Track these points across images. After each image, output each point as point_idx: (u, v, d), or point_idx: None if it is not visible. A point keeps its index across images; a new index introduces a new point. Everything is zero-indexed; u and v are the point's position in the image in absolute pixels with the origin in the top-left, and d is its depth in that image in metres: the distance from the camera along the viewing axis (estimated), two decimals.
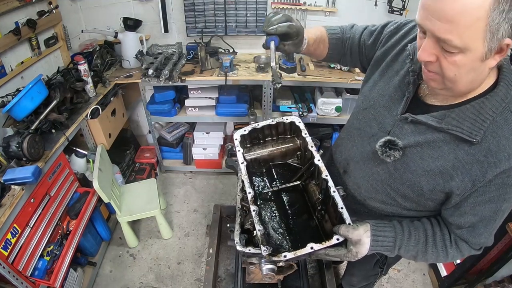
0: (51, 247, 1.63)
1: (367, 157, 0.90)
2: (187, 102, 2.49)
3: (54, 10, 2.06)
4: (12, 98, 1.59)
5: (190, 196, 2.68)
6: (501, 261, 1.53)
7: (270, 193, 1.07)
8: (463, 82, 0.64)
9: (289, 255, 0.75)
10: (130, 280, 2.04)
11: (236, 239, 1.22)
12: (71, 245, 1.71)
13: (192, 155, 2.78)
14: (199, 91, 2.44)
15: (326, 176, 0.87)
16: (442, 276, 1.88)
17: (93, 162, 1.91)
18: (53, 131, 1.71)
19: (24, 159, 1.45)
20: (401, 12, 2.35)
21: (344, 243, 0.79)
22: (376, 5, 2.42)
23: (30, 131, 1.55)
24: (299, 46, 0.93)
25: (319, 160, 0.92)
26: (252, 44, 2.65)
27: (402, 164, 0.80)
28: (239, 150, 1.01)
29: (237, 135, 1.05)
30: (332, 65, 2.41)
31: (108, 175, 1.99)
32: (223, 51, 2.42)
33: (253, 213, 0.84)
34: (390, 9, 2.37)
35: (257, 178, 1.12)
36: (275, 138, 1.12)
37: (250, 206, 0.85)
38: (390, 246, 0.79)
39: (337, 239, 0.77)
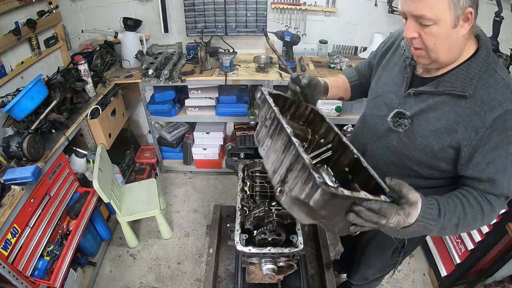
0: (51, 247, 1.63)
1: (382, 135, 1.00)
2: (187, 102, 2.49)
3: (54, 10, 2.06)
4: (12, 98, 1.60)
5: (190, 196, 2.68)
6: (501, 261, 1.53)
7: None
8: (443, 50, 0.79)
9: (346, 192, 0.63)
10: (130, 280, 2.04)
11: (236, 239, 1.22)
12: (71, 245, 1.71)
13: (192, 155, 2.78)
14: (199, 91, 2.44)
15: (356, 154, 0.87)
16: (442, 276, 1.88)
17: (93, 162, 1.91)
18: (53, 131, 1.71)
19: (24, 159, 1.45)
20: None
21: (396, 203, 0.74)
22: (376, 5, 2.42)
23: (30, 131, 1.55)
24: (325, 93, 1.15)
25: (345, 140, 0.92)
26: (252, 44, 2.65)
27: (412, 132, 0.90)
28: (275, 105, 0.92)
29: (266, 92, 0.99)
30: (332, 65, 2.41)
31: (108, 175, 1.99)
32: (223, 51, 2.42)
33: (297, 144, 0.73)
34: (390, 9, 2.37)
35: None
36: (288, 118, 1.06)
37: (291, 138, 0.75)
38: (436, 214, 0.78)
39: (390, 196, 0.72)
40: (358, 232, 0.75)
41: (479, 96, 0.79)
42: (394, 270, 1.43)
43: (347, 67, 2.37)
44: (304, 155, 0.69)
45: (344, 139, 0.92)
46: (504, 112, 0.76)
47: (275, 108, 0.88)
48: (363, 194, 0.67)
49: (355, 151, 0.87)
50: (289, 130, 0.79)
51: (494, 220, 1.49)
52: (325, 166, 0.99)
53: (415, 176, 0.97)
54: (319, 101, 2.36)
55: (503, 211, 1.45)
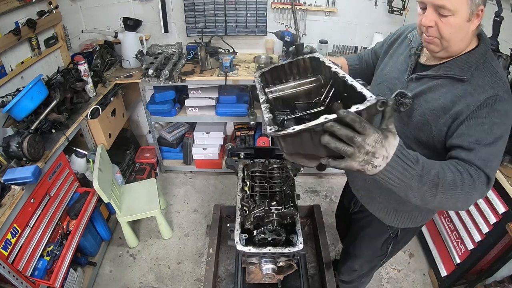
0: (51, 247, 1.63)
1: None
2: (187, 102, 2.49)
3: (54, 10, 2.06)
4: (12, 98, 1.60)
5: (190, 196, 2.68)
6: (501, 261, 1.53)
7: (291, 120, 1.01)
8: (456, 40, 0.86)
9: (298, 127, 0.64)
10: (130, 280, 2.04)
11: (236, 239, 1.22)
12: (71, 245, 1.71)
13: (192, 155, 2.78)
14: (199, 91, 2.44)
15: (342, 74, 0.84)
16: (442, 276, 1.88)
17: (93, 162, 1.91)
18: (53, 131, 1.71)
19: (24, 159, 1.45)
20: (401, 12, 2.36)
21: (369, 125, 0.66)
22: (376, 5, 2.42)
23: (30, 131, 1.55)
24: None
25: (343, 75, 0.85)
26: (252, 44, 2.65)
27: (412, 111, 0.97)
28: (259, 84, 0.99)
29: (257, 74, 1.05)
30: None
31: (108, 175, 1.99)
32: (223, 51, 2.42)
33: (261, 101, 0.83)
34: (390, 9, 2.37)
35: (280, 116, 1.04)
36: (297, 78, 1.07)
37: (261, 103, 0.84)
38: (414, 157, 0.72)
39: (358, 107, 0.64)
40: (329, 165, 0.70)
41: (474, 81, 0.87)
42: (383, 263, 1.44)
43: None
44: (265, 115, 0.82)
45: (337, 70, 0.89)
46: (495, 95, 0.84)
47: (258, 86, 1.00)
48: (322, 118, 0.63)
49: (341, 73, 0.86)
50: (262, 99, 0.91)
51: (494, 220, 1.49)
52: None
53: None
54: None
55: (503, 210, 1.45)
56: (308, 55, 1.03)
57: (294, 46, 1.09)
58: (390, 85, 1.06)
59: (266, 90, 1.05)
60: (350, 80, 0.80)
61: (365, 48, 2.58)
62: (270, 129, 0.71)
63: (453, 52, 0.90)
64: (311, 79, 1.06)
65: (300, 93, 1.06)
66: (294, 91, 1.06)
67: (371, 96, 0.67)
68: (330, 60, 0.98)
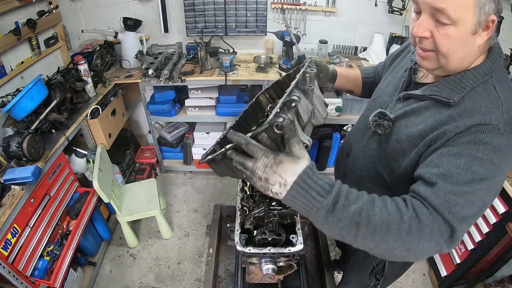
0: (51, 247, 1.63)
1: (366, 136, 0.96)
2: (187, 102, 2.49)
3: (54, 10, 2.06)
4: (12, 98, 1.60)
5: (190, 196, 2.68)
6: (501, 261, 1.53)
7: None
8: (455, 57, 0.69)
9: (211, 156, 0.68)
10: (130, 280, 2.04)
11: (236, 239, 1.22)
12: (71, 245, 1.71)
13: (192, 155, 2.78)
14: (199, 91, 2.44)
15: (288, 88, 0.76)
16: (442, 276, 1.88)
17: (93, 162, 1.91)
18: (53, 131, 1.71)
19: (24, 159, 1.45)
20: (401, 12, 2.36)
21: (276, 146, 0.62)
22: (376, 5, 2.42)
23: (30, 131, 1.55)
24: (331, 81, 1.13)
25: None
26: (252, 44, 2.65)
27: (391, 135, 0.84)
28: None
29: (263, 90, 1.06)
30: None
31: (108, 175, 1.99)
32: (223, 51, 2.43)
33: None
34: (390, 9, 2.37)
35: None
36: None
37: None
38: (327, 187, 0.59)
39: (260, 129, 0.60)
40: (245, 177, 0.65)
41: (463, 105, 0.70)
42: None
43: (347, 67, 2.37)
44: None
45: (291, 87, 0.79)
46: (484, 124, 0.65)
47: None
48: (224, 148, 0.65)
49: (287, 92, 0.75)
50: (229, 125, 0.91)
51: (494, 220, 1.49)
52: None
53: (386, 187, 0.89)
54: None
55: (503, 210, 1.45)
56: (302, 69, 0.95)
57: (297, 57, 1.07)
58: (382, 102, 0.93)
59: (271, 106, 1.06)
60: (281, 99, 0.70)
61: (365, 48, 2.59)
62: (202, 156, 0.78)
63: (452, 72, 0.73)
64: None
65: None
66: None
67: (270, 119, 0.60)
68: (307, 68, 0.89)
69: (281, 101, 0.67)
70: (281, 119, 0.61)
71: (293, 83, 0.78)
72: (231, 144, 0.63)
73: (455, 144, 0.66)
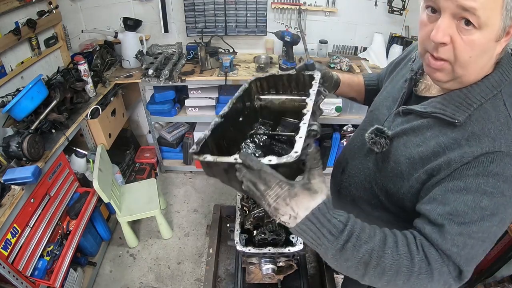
0: (51, 247, 1.63)
1: (362, 153, 0.90)
2: (187, 102, 2.49)
3: (54, 10, 2.06)
4: (12, 98, 1.60)
5: (190, 196, 2.68)
6: (501, 261, 1.53)
7: (261, 137, 0.99)
8: (475, 67, 0.60)
9: (210, 157, 0.65)
10: (130, 280, 2.04)
11: (236, 239, 1.22)
12: (71, 245, 1.71)
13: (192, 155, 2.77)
14: (199, 91, 2.44)
15: (307, 111, 0.74)
16: None
17: (93, 162, 1.91)
18: (53, 131, 1.71)
19: (24, 159, 1.45)
20: (401, 12, 2.36)
21: (287, 181, 0.57)
22: (376, 5, 2.42)
23: (30, 131, 1.55)
24: (334, 88, 1.08)
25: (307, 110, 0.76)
26: (252, 44, 2.65)
27: (388, 154, 0.77)
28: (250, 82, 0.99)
29: (252, 78, 1.02)
30: (332, 65, 2.41)
31: (108, 175, 1.99)
32: (223, 51, 2.43)
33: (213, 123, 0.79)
34: (390, 9, 2.37)
35: (261, 126, 1.04)
36: (294, 92, 1.02)
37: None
38: (340, 226, 0.57)
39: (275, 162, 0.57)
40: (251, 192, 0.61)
41: (470, 127, 0.62)
42: None
43: (347, 67, 2.37)
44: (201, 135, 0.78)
45: (308, 101, 0.80)
46: (494, 152, 0.58)
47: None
48: (232, 158, 0.61)
49: (307, 108, 0.76)
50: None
51: None
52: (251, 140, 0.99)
53: (382, 209, 0.83)
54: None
55: None
56: (308, 73, 0.96)
57: (304, 64, 0.99)
58: (380, 115, 0.86)
59: (258, 96, 1.03)
60: (302, 122, 0.68)
61: (365, 48, 2.59)
62: (192, 149, 0.72)
63: (468, 82, 0.64)
64: (304, 97, 0.97)
65: (289, 109, 1.01)
66: (284, 105, 1.03)
67: (296, 152, 0.57)
68: (321, 86, 0.88)
69: (304, 130, 0.64)
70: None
71: (309, 106, 0.75)
72: (240, 158, 0.59)
73: (462, 177, 0.60)
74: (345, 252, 0.57)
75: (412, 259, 0.57)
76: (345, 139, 2.63)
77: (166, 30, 2.54)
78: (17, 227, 1.38)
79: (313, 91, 0.83)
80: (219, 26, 2.50)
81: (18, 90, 1.68)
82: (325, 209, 0.56)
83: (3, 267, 1.27)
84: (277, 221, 0.60)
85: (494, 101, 0.62)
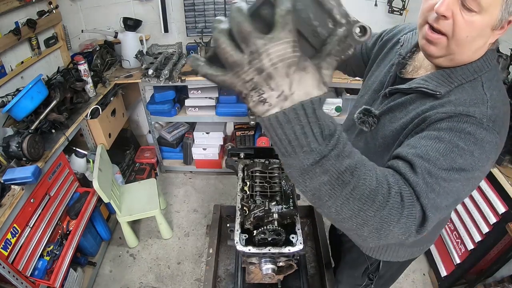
0: (51, 247, 1.63)
1: (352, 132, 0.94)
2: (187, 102, 2.49)
3: (54, 10, 2.06)
4: (12, 98, 1.60)
5: (190, 196, 2.68)
6: (501, 261, 1.53)
7: None
8: (469, 47, 0.65)
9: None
10: (130, 280, 2.04)
11: (236, 239, 1.22)
12: (71, 245, 1.71)
13: (192, 155, 2.78)
14: (199, 91, 2.44)
15: None
16: (442, 276, 1.88)
17: (93, 162, 1.91)
18: (53, 131, 1.71)
19: (24, 159, 1.45)
20: (401, 12, 2.35)
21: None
22: (376, 5, 2.42)
23: (30, 131, 1.55)
24: None
25: None
26: None
27: (376, 131, 0.81)
28: None
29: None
30: None
31: (108, 175, 1.99)
32: None
33: None
34: (390, 9, 2.37)
35: None
36: None
37: None
38: (331, 129, 0.43)
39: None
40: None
41: (447, 97, 0.68)
42: None
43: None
44: None
45: None
46: (467, 115, 0.62)
47: None
48: None
49: None
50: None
51: (494, 220, 1.49)
52: None
53: None
54: None
55: (503, 210, 1.45)
56: None
57: None
58: (370, 99, 0.90)
59: None
60: None
61: None
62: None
63: (459, 63, 0.69)
64: None
65: None
66: None
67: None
68: None
69: None
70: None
71: None
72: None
73: (436, 129, 0.63)
74: (327, 162, 0.43)
75: (389, 189, 0.50)
76: None
77: (166, 30, 2.54)
78: (17, 227, 1.38)
79: None
80: None
81: (18, 90, 1.68)
82: (317, 106, 0.41)
83: (3, 267, 1.27)
84: (250, 104, 0.41)
85: (474, 83, 0.68)
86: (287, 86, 0.39)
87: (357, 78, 2.43)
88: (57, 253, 1.63)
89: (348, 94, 2.41)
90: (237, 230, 1.24)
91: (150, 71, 2.18)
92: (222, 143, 2.79)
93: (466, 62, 0.68)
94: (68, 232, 1.76)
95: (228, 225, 1.41)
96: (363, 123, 0.83)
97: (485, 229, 1.55)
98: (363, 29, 0.44)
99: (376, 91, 0.88)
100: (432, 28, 0.66)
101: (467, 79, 0.68)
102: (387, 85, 0.83)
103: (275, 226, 1.22)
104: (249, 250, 1.18)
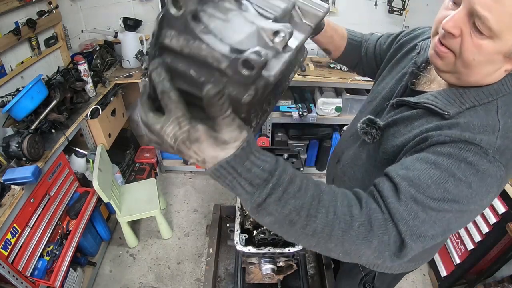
0: (51, 247, 1.63)
1: (355, 142, 0.89)
2: None
3: (54, 10, 2.06)
4: (12, 98, 1.60)
5: (190, 196, 2.68)
6: (501, 261, 1.53)
7: None
8: (477, 71, 0.59)
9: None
10: (130, 280, 2.04)
11: (236, 239, 1.22)
12: (71, 245, 1.71)
13: None
14: None
15: None
16: (442, 276, 1.88)
17: (93, 162, 1.91)
18: (53, 131, 1.71)
19: (24, 159, 1.45)
20: (401, 12, 2.36)
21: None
22: (376, 5, 2.42)
23: (30, 131, 1.55)
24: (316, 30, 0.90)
25: None
26: None
27: (379, 144, 0.76)
28: None
29: None
30: (332, 65, 2.41)
31: (108, 175, 1.99)
32: None
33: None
34: (390, 9, 2.37)
35: None
36: None
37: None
38: (263, 177, 0.44)
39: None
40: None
41: (456, 119, 0.61)
42: None
43: (347, 68, 2.37)
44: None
45: None
46: (473, 143, 0.56)
47: None
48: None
49: None
50: None
51: (494, 220, 1.49)
52: None
53: None
54: (319, 100, 2.38)
55: (503, 210, 1.45)
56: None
57: None
58: (377, 107, 0.84)
59: None
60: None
61: None
62: None
63: (466, 84, 0.64)
64: None
65: None
66: None
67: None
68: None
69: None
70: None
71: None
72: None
73: (435, 152, 0.57)
74: (267, 206, 0.46)
75: (352, 223, 0.50)
76: None
77: None
78: (17, 227, 1.38)
79: None
80: None
81: (18, 90, 1.68)
82: (242, 157, 0.43)
83: (3, 267, 1.27)
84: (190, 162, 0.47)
85: (488, 106, 0.61)
86: (194, 155, 0.44)
87: (356, 78, 2.42)
88: (57, 253, 1.63)
89: (348, 94, 2.41)
90: (237, 230, 1.24)
91: None
92: None
93: (474, 84, 0.63)
94: (68, 232, 1.76)
95: (228, 225, 1.41)
96: (365, 134, 0.77)
97: (485, 229, 1.55)
98: (247, 63, 0.36)
99: (384, 99, 0.82)
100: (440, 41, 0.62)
101: (481, 101, 0.62)
102: (396, 94, 0.78)
103: None
104: (249, 250, 1.18)
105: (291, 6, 0.46)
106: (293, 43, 0.41)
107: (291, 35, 0.38)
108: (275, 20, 0.43)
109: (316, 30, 0.90)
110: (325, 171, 2.80)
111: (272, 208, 0.46)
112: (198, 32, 0.37)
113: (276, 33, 0.38)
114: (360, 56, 1.02)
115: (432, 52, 0.65)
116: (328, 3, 2.43)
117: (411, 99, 0.70)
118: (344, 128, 2.65)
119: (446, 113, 0.62)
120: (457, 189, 0.54)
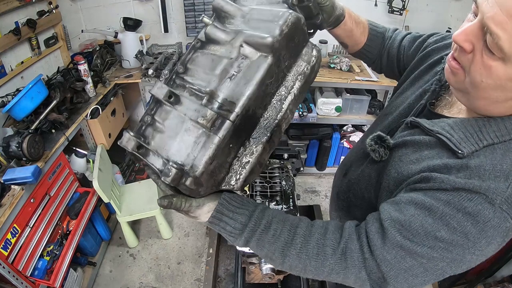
0: (51, 247, 1.63)
1: (365, 157, 0.82)
2: None
3: (54, 10, 2.06)
4: (12, 98, 1.60)
5: None
6: (501, 261, 1.53)
7: None
8: (485, 95, 0.52)
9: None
10: (130, 280, 2.04)
11: None
12: (71, 245, 1.71)
13: None
14: None
15: None
16: None
17: (93, 162, 1.91)
18: (53, 131, 1.71)
19: (24, 159, 1.45)
20: (401, 12, 2.36)
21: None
22: (376, 5, 2.42)
23: (30, 131, 1.55)
24: (333, 24, 0.86)
25: None
26: None
27: (385, 164, 0.70)
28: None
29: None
30: (332, 65, 2.41)
31: (108, 175, 1.99)
32: None
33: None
34: (390, 9, 2.37)
35: None
36: None
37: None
38: (237, 229, 0.59)
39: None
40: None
41: (468, 160, 0.54)
42: None
43: (347, 67, 2.37)
44: None
45: None
46: (477, 193, 0.50)
47: None
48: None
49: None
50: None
51: None
52: None
53: None
54: (319, 100, 2.38)
55: None
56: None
57: None
58: (392, 123, 0.77)
59: None
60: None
61: None
62: None
63: (473, 106, 0.57)
64: None
65: None
66: None
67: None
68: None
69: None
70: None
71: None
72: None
73: (433, 197, 0.53)
74: (251, 247, 0.60)
75: (324, 262, 0.57)
76: (345, 139, 2.64)
77: (166, 30, 2.54)
78: (17, 227, 1.38)
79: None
80: None
81: (18, 90, 1.68)
82: (215, 221, 0.59)
83: (3, 267, 1.27)
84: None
85: (508, 145, 0.53)
86: (194, 218, 0.61)
87: (356, 78, 2.42)
88: (57, 253, 1.63)
89: (348, 94, 2.41)
90: None
91: (150, 71, 2.14)
92: None
93: (483, 109, 0.55)
94: (68, 232, 1.76)
95: None
96: (373, 151, 0.71)
97: None
98: (164, 173, 0.54)
99: (401, 115, 0.75)
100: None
101: (501, 138, 0.53)
102: (413, 113, 0.70)
103: None
104: (249, 250, 1.18)
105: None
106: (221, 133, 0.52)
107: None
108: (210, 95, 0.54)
109: (335, 22, 0.85)
110: (324, 171, 2.81)
111: (254, 249, 0.60)
112: (143, 157, 0.55)
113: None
114: (380, 54, 0.94)
115: (446, 67, 0.59)
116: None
117: (426, 123, 0.62)
118: (345, 128, 2.65)
119: (460, 151, 0.54)
120: (451, 238, 0.51)
